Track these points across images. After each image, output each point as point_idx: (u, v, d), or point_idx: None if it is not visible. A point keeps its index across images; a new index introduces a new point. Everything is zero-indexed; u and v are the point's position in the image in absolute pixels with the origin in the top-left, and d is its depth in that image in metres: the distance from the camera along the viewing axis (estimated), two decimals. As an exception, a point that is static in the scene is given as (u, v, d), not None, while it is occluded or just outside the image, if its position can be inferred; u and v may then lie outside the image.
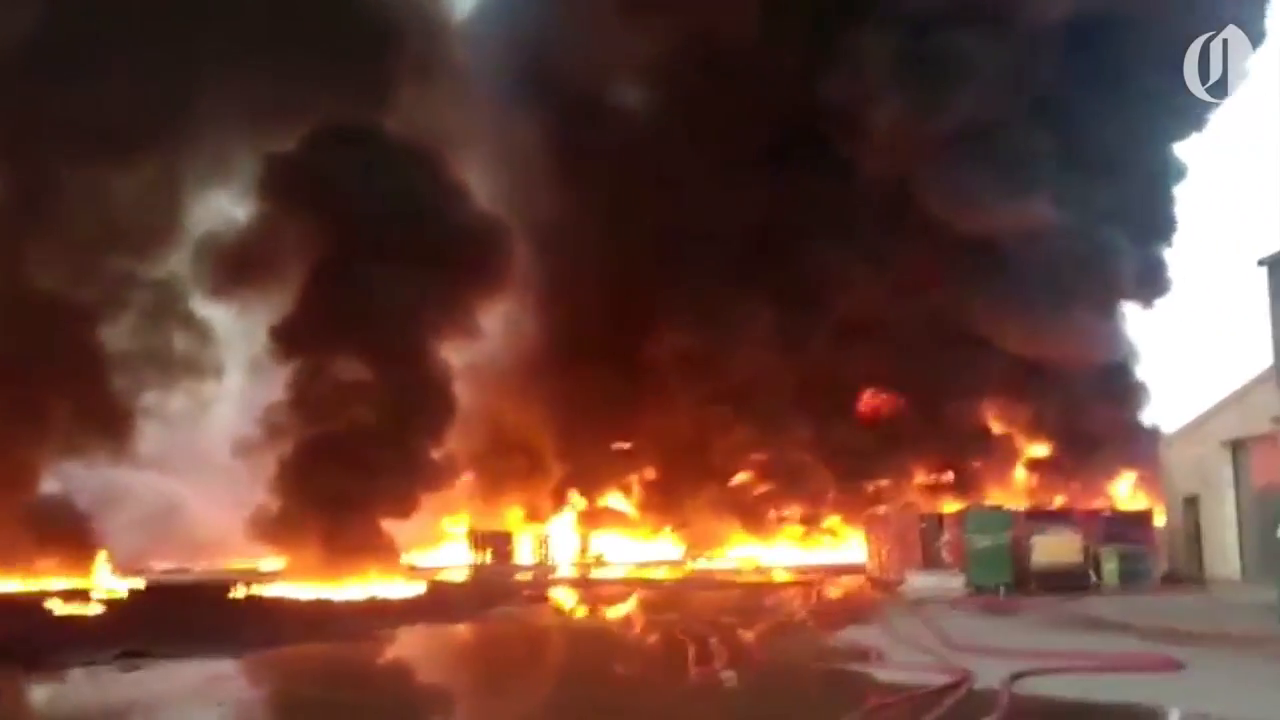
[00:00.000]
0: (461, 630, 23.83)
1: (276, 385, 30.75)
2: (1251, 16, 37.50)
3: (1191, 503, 26.82)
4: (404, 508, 31.14)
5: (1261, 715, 12.12)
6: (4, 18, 29.47)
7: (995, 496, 38.16)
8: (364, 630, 22.19)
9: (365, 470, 29.29)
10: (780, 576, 35.89)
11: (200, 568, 38.68)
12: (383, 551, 30.50)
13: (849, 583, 32.23)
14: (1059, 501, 36.94)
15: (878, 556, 32.70)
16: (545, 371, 41.90)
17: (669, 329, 40.90)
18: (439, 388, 31.51)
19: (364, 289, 29.43)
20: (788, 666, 16.76)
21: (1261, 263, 21.42)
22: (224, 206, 33.39)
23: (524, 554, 42.92)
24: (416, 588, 29.66)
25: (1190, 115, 40.70)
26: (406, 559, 33.60)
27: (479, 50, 38.01)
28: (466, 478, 39.34)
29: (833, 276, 40.19)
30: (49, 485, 32.14)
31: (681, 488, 42.62)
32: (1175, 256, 44.17)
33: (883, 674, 15.16)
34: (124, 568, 31.79)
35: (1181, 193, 42.75)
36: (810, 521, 42.24)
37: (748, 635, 20.46)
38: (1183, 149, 42.75)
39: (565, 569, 40.71)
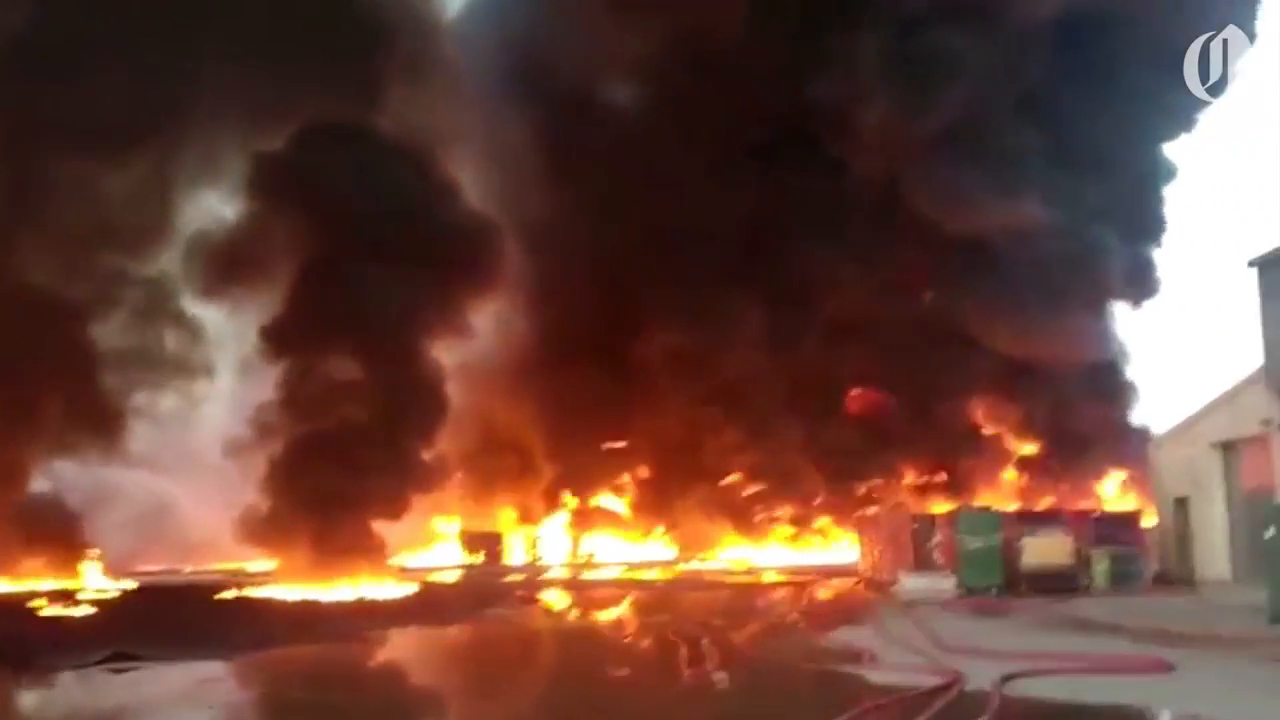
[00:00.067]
0: (453, 632, 23.80)
1: (267, 385, 30.69)
2: (1242, 16, 37.48)
3: (1181, 504, 26.82)
4: (395, 508, 31.08)
5: (1251, 717, 12.19)
6: (-5, 15, 29.40)
7: (985, 497, 38.13)
8: (355, 632, 22.15)
9: (356, 470, 29.23)
10: (771, 577, 35.90)
11: (190, 569, 38.58)
12: (373, 552, 30.43)
13: (840, 584, 32.29)
14: (1047, 502, 37.02)
15: (870, 557, 32.79)
16: (536, 371, 41.74)
17: (659, 328, 40.78)
18: (430, 387, 31.45)
19: (354, 288, 29.35)
20: (779, 668, 16.79)
21: (1252, 264, 21.50)
22: (214, 205, 33.36)
23: (515, 555, 42.86)
24: (407, 589, 29.60)
25: (1180, 115, 40.70)
26: (397, 560, 33.53)
27: (469, 49, 37.83)
28: (458, 478, 39.24)
29: (823, 276, 40.10)
30: (39, 484, 32.04)
31: (672, 488, 42.57)
32: (1165, 257, 44.30)
33: (874, 675, 15.20)
34: (114, 568, 31.71)
35: (1171, 193, 42.79)
36: (801, 522, 42.24)
37: (739, 636, 20.49)
38: (1172, 149, 42.80)
39: (557, 570, 40.64)
